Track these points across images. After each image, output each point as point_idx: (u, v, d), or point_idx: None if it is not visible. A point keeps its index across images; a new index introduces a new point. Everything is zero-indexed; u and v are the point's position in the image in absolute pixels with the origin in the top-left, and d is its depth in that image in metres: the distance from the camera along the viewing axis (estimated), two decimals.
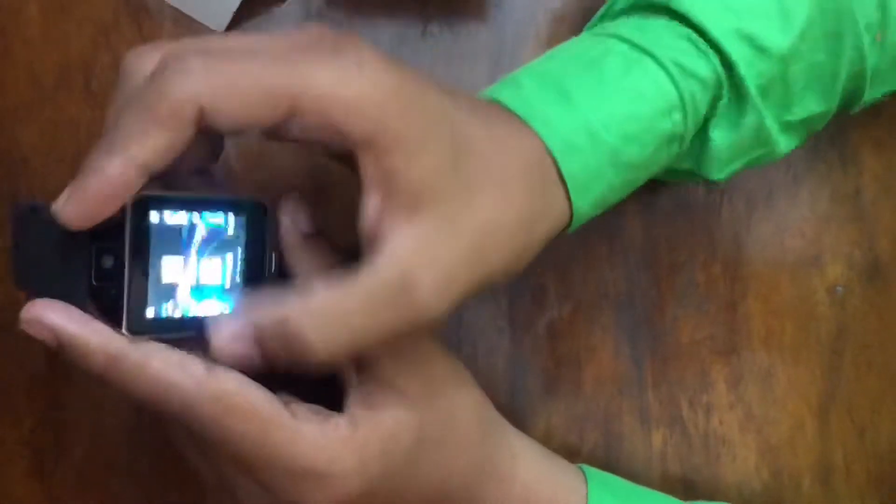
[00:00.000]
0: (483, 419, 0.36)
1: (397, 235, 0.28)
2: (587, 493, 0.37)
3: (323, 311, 0.28)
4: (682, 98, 0.34)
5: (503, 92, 0.34)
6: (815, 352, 0.43)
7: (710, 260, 0.43)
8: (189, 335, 0.31)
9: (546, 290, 0.43)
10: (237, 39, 0.29)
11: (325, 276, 0.29)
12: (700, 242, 0.43)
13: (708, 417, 0.43)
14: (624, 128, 0.33)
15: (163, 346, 0.29)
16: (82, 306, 0.30)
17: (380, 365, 0.33)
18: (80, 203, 0.27)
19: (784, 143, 0.37)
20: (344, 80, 0.27)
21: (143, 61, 0.29)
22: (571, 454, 0.43)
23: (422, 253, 0.29)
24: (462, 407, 0.35)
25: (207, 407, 0.29)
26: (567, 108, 0.33)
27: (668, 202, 0.43)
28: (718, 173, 0.37)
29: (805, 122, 0.37)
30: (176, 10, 0.42)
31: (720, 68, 0.35)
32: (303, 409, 0.31)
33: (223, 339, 0.30)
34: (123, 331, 0.30)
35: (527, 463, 0.37)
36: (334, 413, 0.32)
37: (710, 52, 0.35)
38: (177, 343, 0.31)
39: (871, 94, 0.39)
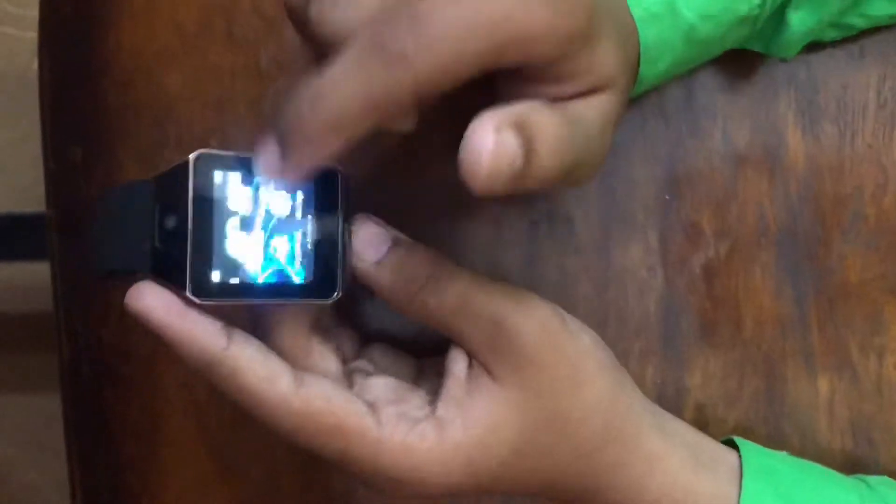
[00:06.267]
0: (609, 422, 0.33)
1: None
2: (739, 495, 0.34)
3: None
4: None
5: None
6: None
7: (881, 191, 0.40)
8: (258, 302, 0.31)
9: (700, 227, 0.41)
10: None
11: None
12: (869, 172, 0.40)
13: (881, 361, 0.40)
14: (705, 5, 0.34)
15: (256, 352, 0.30)
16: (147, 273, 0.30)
17: (485, 359, 0.32)
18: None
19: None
20: (551, 19, 0.26)
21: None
22: (731, 401, 0.40)
23: None
24: (580, 409, 0.33)
25: (293, 422, 0.31)
26: None
27: (831, 127, 0.40)
28: (789, 52, 0.38)
29: None
30: None
31: None
32: (390, 416, 0.31)
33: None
34: (187, 293, 0.29)
35: (665, 472, 0.34)
36: (422, 417, 0.32)
37: None
38: (247, 309, 0.31)
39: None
